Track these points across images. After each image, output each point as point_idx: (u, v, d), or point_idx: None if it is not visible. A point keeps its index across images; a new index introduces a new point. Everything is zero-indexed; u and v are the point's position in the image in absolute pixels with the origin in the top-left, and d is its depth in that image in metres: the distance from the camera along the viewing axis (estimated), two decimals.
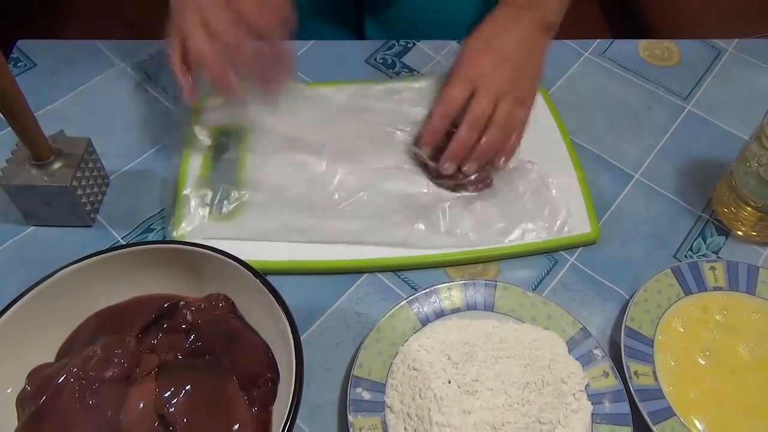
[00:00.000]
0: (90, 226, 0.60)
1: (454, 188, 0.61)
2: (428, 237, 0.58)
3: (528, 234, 0.59)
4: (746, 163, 0.57)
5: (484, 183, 0.61)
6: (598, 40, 0.81)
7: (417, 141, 0.64)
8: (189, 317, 0.48)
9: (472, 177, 0.61)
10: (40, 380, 0.43)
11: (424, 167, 0.63)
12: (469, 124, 0.59)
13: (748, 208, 0.59)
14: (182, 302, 0.48)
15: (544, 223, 0.59)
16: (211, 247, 0.48)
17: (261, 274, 0.47)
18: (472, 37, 0.63)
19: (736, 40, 0.81)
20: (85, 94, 0.72)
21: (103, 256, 0.46)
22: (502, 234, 0.59)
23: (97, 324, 0.47)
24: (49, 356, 0.46)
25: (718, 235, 0.62)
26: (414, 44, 0.79)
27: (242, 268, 0.47)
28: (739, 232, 0.61)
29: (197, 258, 0.48)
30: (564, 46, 0.80)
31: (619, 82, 0.76)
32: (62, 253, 0.58)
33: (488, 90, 0.59)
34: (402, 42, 0.79)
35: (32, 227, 0.60)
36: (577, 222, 0.60)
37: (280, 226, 0.58)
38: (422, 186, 0.62)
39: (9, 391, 0.44)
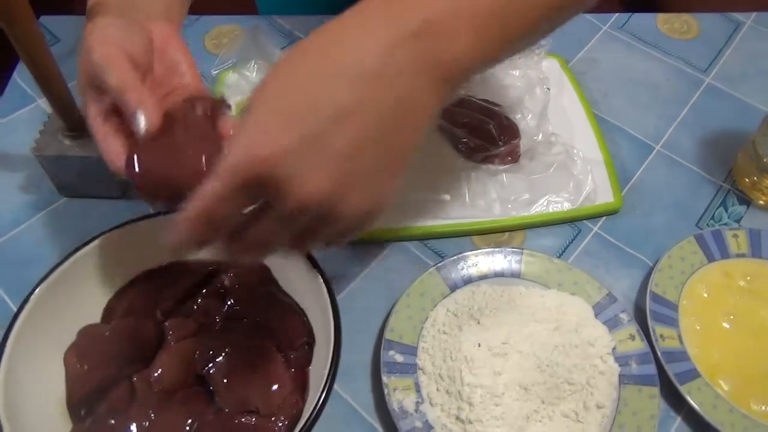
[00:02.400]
0: (120, 198, 0.61)
1: (481, 161, 0.62)
2: (453, 207, 0.59)
3: (552, 206, 0.60)
4: None
5: (511, 156, 0.62)
6: (617, 14, 0.81)
7: (445, 114, 0.64)
8: (227, 282, 0.49)
9: (501, 149, 0.61)
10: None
11: (451, 138, 0.64)
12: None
13: None
14: (221, 268, 0.49)
15: (569, 195, 0.60)
16: None
17: None
18: (298, 52, 0.33)
19: (755, 13, 0.81)
20: None
21: (144, 221, 0.48)
22: (527, 206, 0.60)
23: (141, 286, 0.49)
24: (94, 318, 0.48)
25: (740, 204, 0.62)
26: None
27: None
28: (761, 202, 0.62)
29: None
30: (583, 19, 0.80)
31: (639, 55, 0.76)
32: (94, 223, 0.58)
33: (287, 203, 0.32)
34: None
35: (64, 198, 0.61)
36: (600, 192, 0.61)
37: None
38: (450, 157, 0.62)
39: (55, 350, 0.45)
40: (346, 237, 0.36)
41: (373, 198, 0.34)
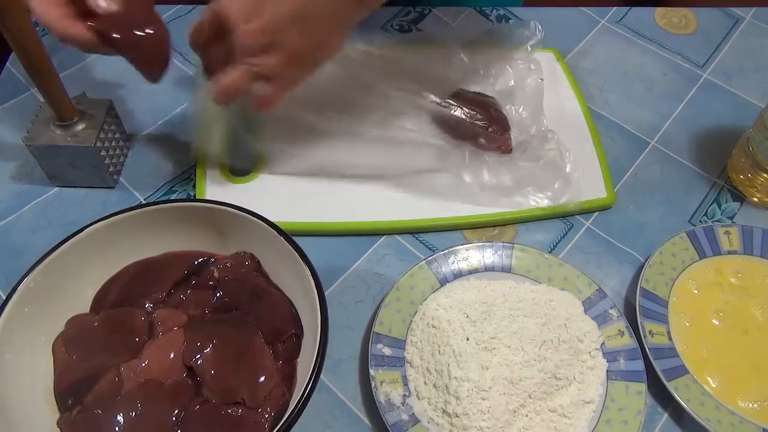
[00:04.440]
0: (112, 188, 0.61)
1: (471, 152, 0.62)
2: (440, 196, 0.59)
3: (532, 199, 0.60)
4: (764, 128, 0.58)
5: (502, 148, 0.62)
6: (615, 7, 0.80)
7: (437, 105, 0.64)
8: (216, 274, 0.49)
9: (491, 141, 0.61)
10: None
11: (441, 129, 0.63)
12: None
13: (764, 175, 0.59)
14: (212, 259, 0.49)
15: (551, 194, 0.60)
16: (237, 206, 0.49)
17: (286, 233, 0.47)
18: None
19: (754, 8, 0.80)
20: (103, 58, 0.71)
21: (134, 212, 0.47)
22: (508, 197, 0.60)
23: (132, 277, 0.49)
24: (83, 308, 0.48)
25: (733, 201, 0.62)
26: (430, 11, 0.79)
27: (267, 226, 0.48)
28: (755, 199, 0.62)
29: (223, 217, 0.49)
30: (580, 13, 0.79)
31: (636, 49, 0.76)
32: (86, 213, 0.59)
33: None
34: (418, 8, 0.79)
35: (56, 188, 0.61)
36: (593, 187, 0.61)
37: (291, 188, 0.60)
38: (439, 147, 0.62)
39: (43, 339, 0.46)
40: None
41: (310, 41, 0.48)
